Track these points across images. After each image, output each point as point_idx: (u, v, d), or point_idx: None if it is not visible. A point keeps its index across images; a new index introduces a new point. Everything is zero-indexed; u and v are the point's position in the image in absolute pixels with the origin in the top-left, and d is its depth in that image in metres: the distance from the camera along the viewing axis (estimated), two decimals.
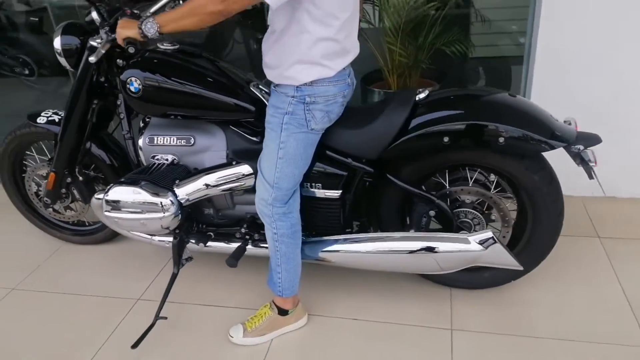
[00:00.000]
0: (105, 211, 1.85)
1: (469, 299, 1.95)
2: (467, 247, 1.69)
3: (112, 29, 1.74)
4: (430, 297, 1.97)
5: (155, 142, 1.94)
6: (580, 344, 1.71)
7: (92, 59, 1.72)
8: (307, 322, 1.91)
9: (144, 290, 2.15)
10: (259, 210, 1.75)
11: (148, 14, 1.54)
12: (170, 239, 1.97)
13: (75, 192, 2.25)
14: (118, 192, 1.81)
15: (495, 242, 1.67)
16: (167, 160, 1.94)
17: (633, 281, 1.97)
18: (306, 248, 1.89)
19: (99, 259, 2.39)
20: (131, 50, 1.59)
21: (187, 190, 1.83)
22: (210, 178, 1.84)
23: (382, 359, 1.74)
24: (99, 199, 1.93)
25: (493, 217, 1.81)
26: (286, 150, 1.66)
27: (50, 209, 2.33)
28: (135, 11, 1.71)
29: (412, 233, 1.78)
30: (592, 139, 1.65)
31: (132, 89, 1.80)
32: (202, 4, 1.43)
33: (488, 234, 1.68)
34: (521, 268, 1.75)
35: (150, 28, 1.50)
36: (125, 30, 1.58)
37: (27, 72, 3.61)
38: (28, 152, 2.36)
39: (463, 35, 2.60)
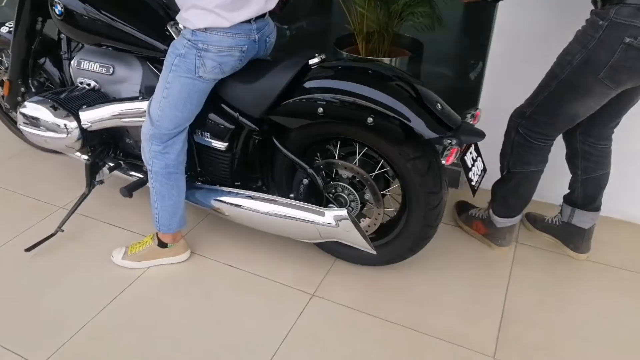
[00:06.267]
0: (20, 124, 2.01)
1: (346, 272, 1.96)
2: (321, 219, 1.69)
3: None
4: (312, 263, 2.00)
5: (82, 66, 2.05)
6: (429, 337, 1.69)
7: None
8: (188, 259, 2.02)
9: (69, 202, 2.33)
10: (141, 144, 1.83)
11: None
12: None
13: None
14: (29, 108, 1.96)
15: (347, 219, 1.65)
16: (88, 85, 2.05)
17: (522, 292, 1.88)
18: (198, 194, 1.96)
19: (48, 166, 2.61)
20: None
21: (90, 117, 1.94)
22: (113, 109, 1.94)
23: (230, 303, 1.83)
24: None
25: (366, 197, 1.78)
26: (170, 91, 1.70)
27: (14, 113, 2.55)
28: None
29: (276, 197, 1.80)
30: (472, 135, 1.56)
31: (56, 11, 1.90)
32: None
33: (342, 211, 1.66)
34: (374, 252, 1.73)
35: None
36: None
37: None
38: (0, 59, 2.57)
39: (429, 8, 2.44)
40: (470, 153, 1.65)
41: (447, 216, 2.27)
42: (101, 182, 2.14)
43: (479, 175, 1.68)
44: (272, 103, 1.70)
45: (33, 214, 2.28)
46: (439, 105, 1.58)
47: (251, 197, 1.84)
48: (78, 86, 2.06)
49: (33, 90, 2.36)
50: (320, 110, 1.62)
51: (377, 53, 2.62)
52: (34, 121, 1.95)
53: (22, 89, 2.35)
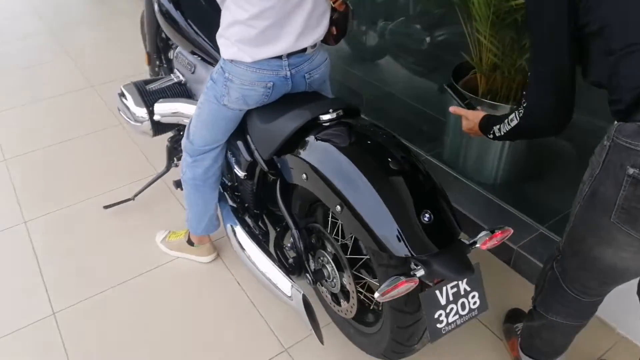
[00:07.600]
0: (118, 104, 2.26)
1: (331, 340, 1.78)
2: (281, 285, 1.54)
3: None
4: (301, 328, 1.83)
5: (178, 58, 2.20)
6: None
7: None
8: (212, 262, 2.12)
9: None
10: None
11: None
12: None
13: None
14: (121, 92, 2.19)
15: (300, 296, 1.47)
16: (178, 78, 2.20)
17: None
18: (225, 210, 1.98)
19: None
20: None
21: (161, 110, 2.09)
22: (180, 107, 2.05)
23: (218, 323, 1.87)
24: None
25: (344, 280, 1.54)
26: (201, 111, 1.73)
27: None
28: None
29: (264, 250, 1.69)
30: (450, 270, 1.18)
31: (155, 6, 2.06)
32: None
33: (299, 289, 1.48)
34: (321, 343, 1.51)
35: None
36: None
37: None
38: None
39: None
40: (454, 287, 1.26)
41: (496, 317, 1.83)
42: (177, 165, 2.34)
43: (460, 317, 1.27)
44: (277, 149, 1.57)
45: (141, 170, 2.66)
46: (427, 215, 1.23)
47: (252, 240, 1.78)
48: (171, 77, 2.23)
49: (165, 65, 2.64)
50: (304, 176, 1.44)
51: (500, 94, 2.12)
52: (123, 105, 2.20)
53: (157, 62, 2.66)
